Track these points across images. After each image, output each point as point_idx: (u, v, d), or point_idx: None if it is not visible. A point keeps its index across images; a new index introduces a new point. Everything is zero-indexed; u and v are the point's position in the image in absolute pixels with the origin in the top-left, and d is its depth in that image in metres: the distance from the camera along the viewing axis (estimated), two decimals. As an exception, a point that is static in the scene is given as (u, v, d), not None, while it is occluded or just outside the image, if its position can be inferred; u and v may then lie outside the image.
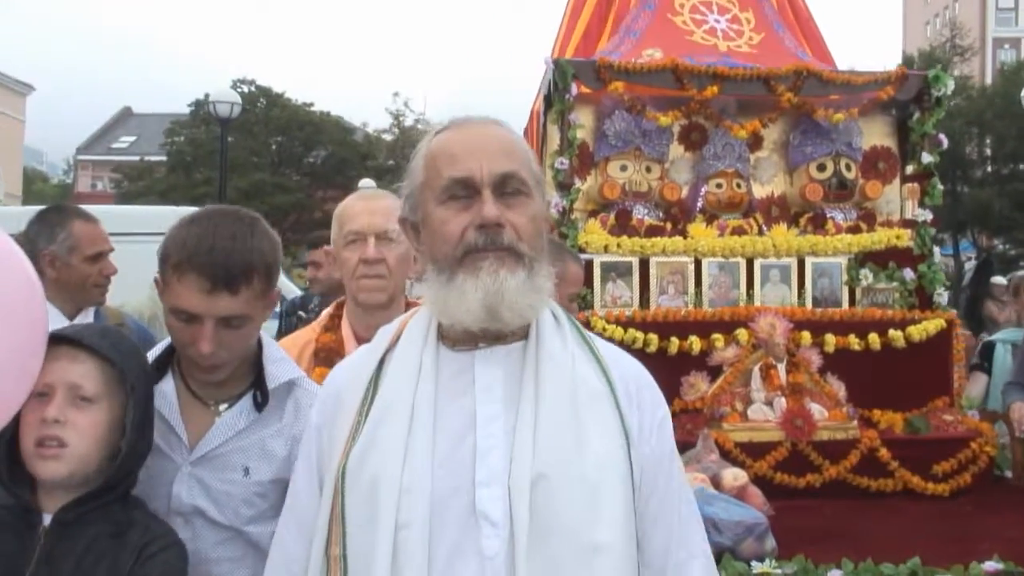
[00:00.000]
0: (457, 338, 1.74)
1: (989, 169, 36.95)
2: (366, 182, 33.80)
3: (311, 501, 1.74)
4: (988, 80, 43.69)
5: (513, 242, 1.67)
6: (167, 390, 2.16)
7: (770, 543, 3.43)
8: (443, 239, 1.70)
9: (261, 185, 32.34)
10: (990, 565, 3.29)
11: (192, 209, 2.30)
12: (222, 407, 2.15)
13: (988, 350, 6.17)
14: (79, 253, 3.39)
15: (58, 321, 3.08)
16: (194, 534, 2.07)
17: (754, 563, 3.26)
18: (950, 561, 3.34)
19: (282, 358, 2.23)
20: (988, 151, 38.05)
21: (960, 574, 3.28)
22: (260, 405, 2.13)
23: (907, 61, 31.96)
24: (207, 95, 33.08)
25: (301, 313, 6.15)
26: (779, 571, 3.23)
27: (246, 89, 35.77)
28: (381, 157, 38.58)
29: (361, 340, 2.54)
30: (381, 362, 1.77)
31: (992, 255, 29.30)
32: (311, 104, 35.89)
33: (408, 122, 39.00)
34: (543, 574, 1.60)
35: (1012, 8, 70.64)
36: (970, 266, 13.12)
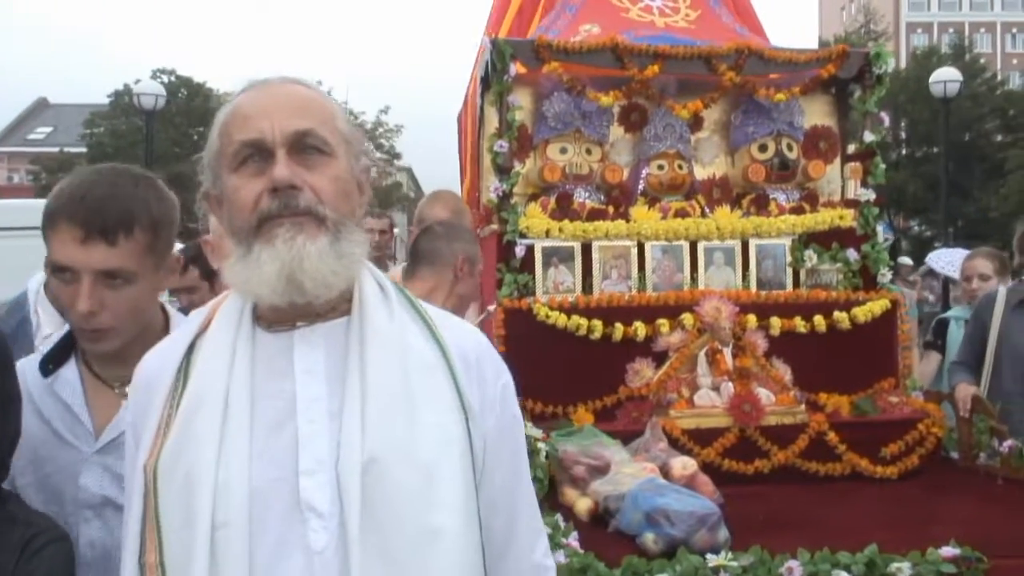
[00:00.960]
0: (273, 318, 1.62)
1: (904, 152, 37.68)
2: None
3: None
4: (902, 64, 44.48)
5: (312, 205, 1.56)
6: (70, 376, 2.01)
7: (723, 534, 3.34)
8: (238, 208, 1.58)
9: (183, 176, 31.99)
10: (947, 550, 3.23)
11: None
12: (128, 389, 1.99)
13: (942, 327, 6.19)
14: None
15: None
16: (105, 525, 1.95)
17: (709, 556, 3.17)
18: (904, 546, 3.27)
19: None
20: (902, 134, 38.85)
21: (918, 560, 3.21)
22: None
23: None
24: (127, 85, 32.55)
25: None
26: (735, 563, 3.13)
27: (167, 79, 35.27)
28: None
29: None
30: (191, 348, 1.63)
31: (899, 237, 29.84)
32: (231, 93, 35.39)
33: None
34: (378, 565, 1.49)
35: (924, -7, 72.15)
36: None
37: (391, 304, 1.68)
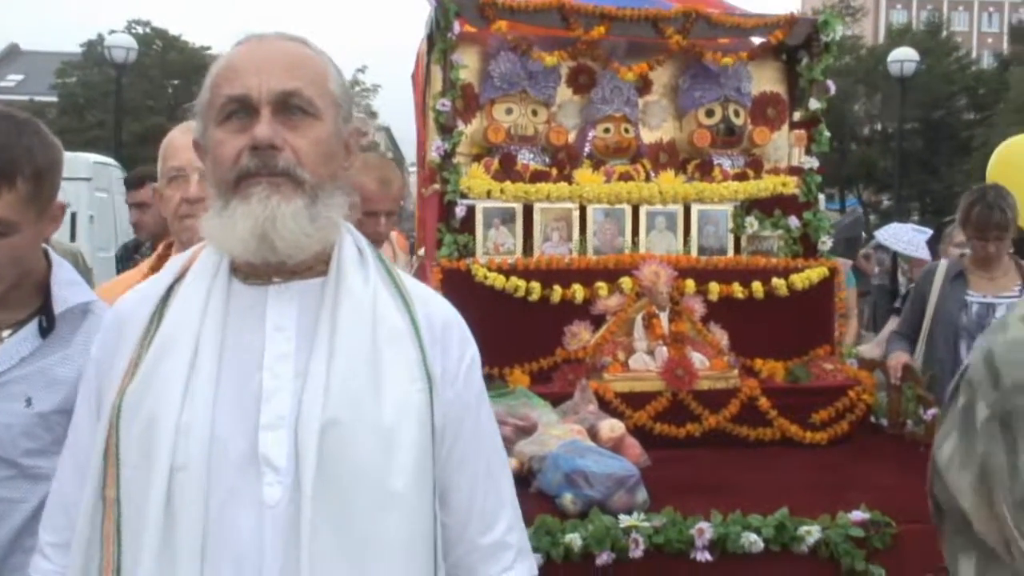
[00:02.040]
0: (249, 271, 1.63)
1: (878, 128, 37.91)
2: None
3: (90, 439, 1.62)
4: (880, 40, 44.72)
5: (291, 167, 1.57)
6: None
7: (641, 495, 3.36)
8: (219, 162, 1.59)
9: (157, 130, 31.75)
10: (857, 515, 3.27)
11: (83, 155, 2.14)
12: (5, 333, 1.97)
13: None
14: None
15: None
16: None
17: (622, 516, 3.19)
18: (819, 510, 3.31)
19: (74, 281, 2.07)
20: (875, 110, 39.04)
21: (827, 524, 3.25)
22: (45, 331, 1.96)
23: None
24: (100, 36, 32.15)
25: (136, 257, 5.90)
26: (647, 524, 3.15)
27: (141, 31, 34.93)
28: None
29: None
30: (168, 294, 1.65)
31: (866, 212, 30.05)
32: (209, 48, 34.95)
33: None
34: (330, 524, 1.50)
35: (904, -31, 72.35)
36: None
37: (368, 269, 1.70)
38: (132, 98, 29.38)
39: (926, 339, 4.74)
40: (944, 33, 49.84)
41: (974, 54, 56.57)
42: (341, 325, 1.61)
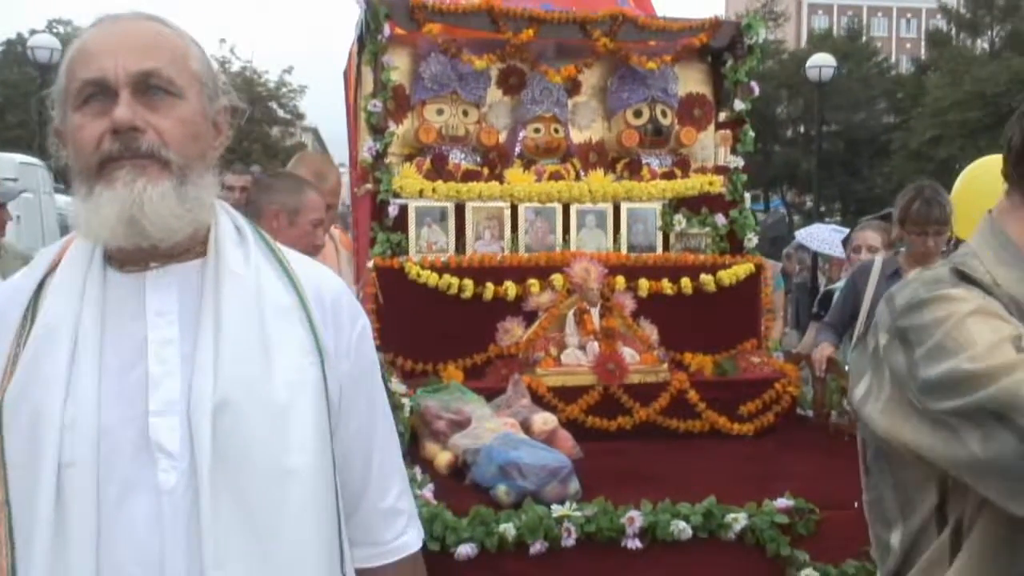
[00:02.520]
0: (124, 259, 1.60)
1: (802, 130, 38.71)
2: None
3: None
4: (803, 44, 45.65)
5: (155, 148, 1.55)
6: None
7: (574, 486, 3.43)
8: (80, 148, 1.56)
9: (79, 128, 31.27)
10: (782, 502, 3.37)
11: (8, 155, 2.09)
12: None
13: (827, 299, 6.38)
14: None
15: None
16: None
17: (555, 506, 3.25)
18: (745, 499, 3.40)
19: None
20: (797, 113, 39.80)
21: (753, 511, 3.35)
22: None
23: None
24: (20, 35, 31.48)
25: None
26: (579, 513, 3.22)
27: (63, 30, 34.30)
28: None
29: None
30: (40, 287, 1.61)
31: (790, 213, 30.61)
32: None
33: (235, 68, 38.06)
34: (229, 505, 1.50)
35: (826, -24, 73.89)
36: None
37: (248, 247, 1.68)
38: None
39: (861, 335, 4.86)
40: (864, 38, 50.97)
41: (893, 59, 57.89)
42: (225, 305, 1.59)
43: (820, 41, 44.38)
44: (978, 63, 34.69)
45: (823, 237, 11.26)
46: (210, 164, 1.66)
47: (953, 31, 42.14)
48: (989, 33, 40.00)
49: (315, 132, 53.41)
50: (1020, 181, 1.63)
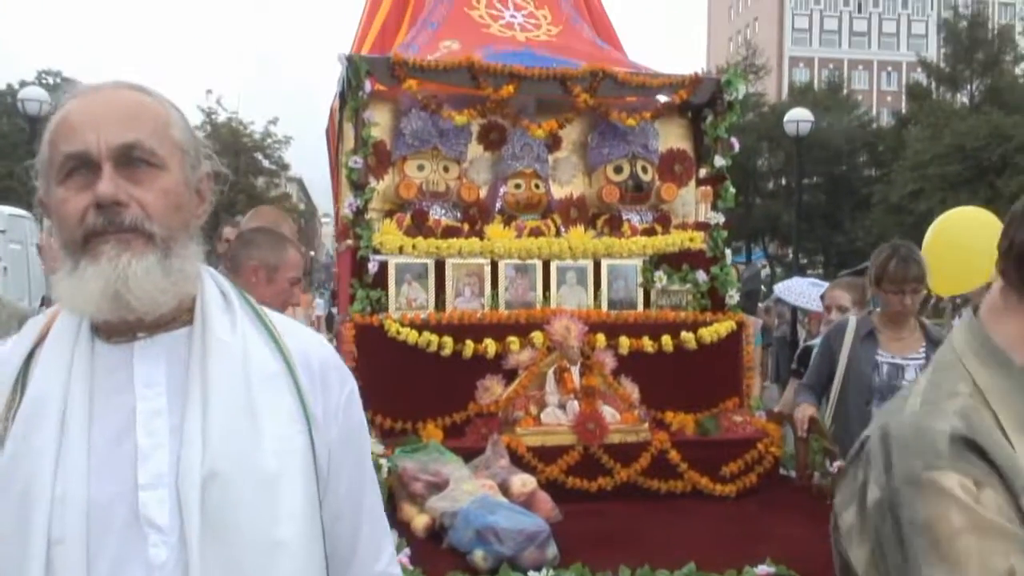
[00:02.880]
0: (110, 330, 1.58)
1: (783, 182, 39.09)
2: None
3: None
4: (784, 97, 46.19)
5: (139, 221, 1.53)
6: None
7: (552, 551, 3.37)
8: (64, 222, 1.55)
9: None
10: (763, 568, 3.31)
11: None
12: None
13: (806, 355, 6.33)
14: None
15: None
16: None
17: (531, 572, 3.18)
18: (727, 564, 3.34)
19: None
20: (779, 165, 40.16)
21: (734, 578, 3.29)
22: None
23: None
24: (11, 86, 31.62)
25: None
26: (556, 580, 3.16)
27: (51, 81, 34.55)
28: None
29: None
30: (29, 359, 1.59)
31: (772, 265, 30.76)
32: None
33: (221, 119, 38.27)
34: None
35: (807, 29, 74.95)
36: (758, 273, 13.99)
37: (234, 313, 1.66)
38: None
39: (838, 396, 4.81)
40: (845, 91, 51.59)
41: (874, 111, 58.59)
42: (212, 375, 1.57)
43: (800, 94, 44.91)
44: (957, 117, 35.10)
45: (801, 291, 11.32)
46: (193, 233, 1.64)
47: (933, 85, 42.69)
48: (968, 87, 40.54)
49: (300, 182, 53.71)
50: (1018, 284, 1.53)
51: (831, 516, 1.61)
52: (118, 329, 1.58)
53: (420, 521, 3.74)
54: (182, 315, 1.61)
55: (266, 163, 42.91)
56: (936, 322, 7.53)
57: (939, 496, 1.38)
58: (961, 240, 5.47)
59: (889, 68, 74.83)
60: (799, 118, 20.93)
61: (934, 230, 5.57)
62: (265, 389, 1.59)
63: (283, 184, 47.40)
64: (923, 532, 1.38)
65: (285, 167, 44.56)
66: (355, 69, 4.96)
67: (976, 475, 1.39)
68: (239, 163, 40.33)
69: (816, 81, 58.76)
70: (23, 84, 27.10)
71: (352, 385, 1.75)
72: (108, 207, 1.51)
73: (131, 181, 1.54)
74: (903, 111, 46.53)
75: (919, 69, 45.46)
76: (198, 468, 1.50)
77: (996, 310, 1.56)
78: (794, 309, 13.09)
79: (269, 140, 41.95)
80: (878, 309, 4.89)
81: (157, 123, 1.60)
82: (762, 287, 14.07)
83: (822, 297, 7.37)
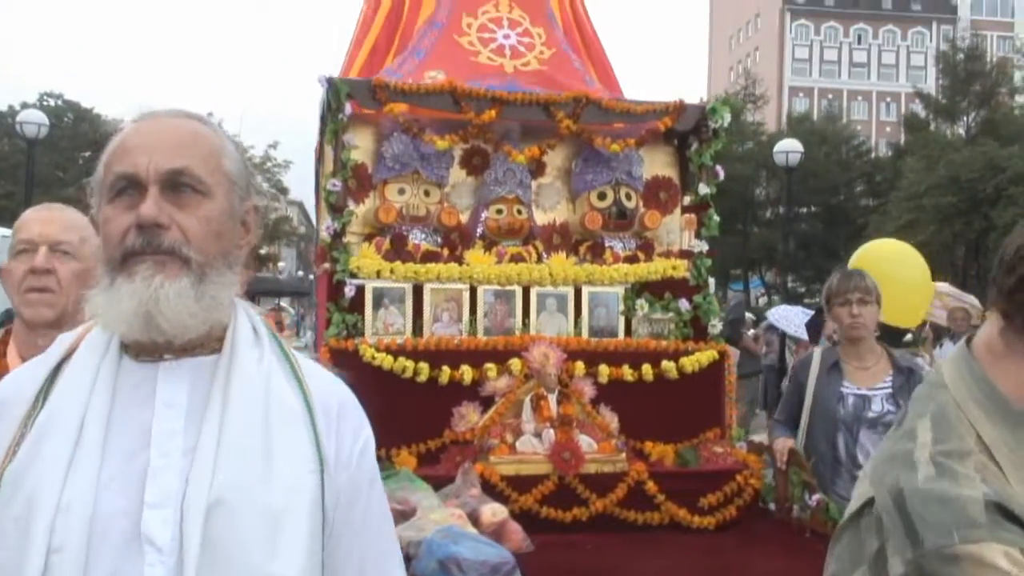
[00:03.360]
0: (139, 348, 1.60)
1: (780, 211, 39.15)
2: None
3: None
4: (785, 126, 46.42)
5: (177, 245, 1.56)
6: None
7: (517, 583, 3.28)
8: (107, 239, 1.59)
9: (67, 202, 31.25)
10: (734, 605, 3.23)
11: None
12: None
13: None
14: None
15: None
16: None
17: (494, 607, 3.11)
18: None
19: None
20: (776, 194, 40.24)
21: (704, 615, 3.21)
22: None
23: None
24: (11, 107, 31.77)
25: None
26: (518, 615, 3.08)
27: (53, 103, 34.74)
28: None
29: None
30: (56, 372, 1.62)
31: (769, 293, 30.78)
32: (122, 120, 34.78)
33: (223, 141, 38.50)
34: None
35: (806, 60, 75.35)
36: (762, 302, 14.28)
37: (262, 348, 1.67)
38: (42, 170, 28.97)
39: (806, 429, 4.75)
40: (845, 120, 51.72)
41: (873, 141, 58.76)
42: (232, 403, 1.57)
43: (798, 124, 45.01)
44: (953, 148, 35.15)
45: (791, 319, 11.37)
46: (233, 262, 1.65)
47: (930, 116, 42.79)
48: (964, 119, 40.63)
49: (300, 206, 53.90)
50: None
51: None
52: (146, 348, 1.60)
53: (386, 551, 3.66)
54: (211, 342, 1.63)
55: (266, 186, 43.11)
56: (911, 351, 7.47)
57: (982, 571, 1.26)
58: (887, 273, 5.36)
59: (888, 99, 75.10)
60: (789, 149, 21.15)
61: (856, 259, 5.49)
62: (282, 426, 1.59)
63: (283, 208, 47.61)
64: None
65: (284, 191, 44.77)
66: (335, 91, 4.93)
67: (1021, 544, 1.28)
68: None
69: (815, 111, 59.00)
70: (24, 106, 27.18)
71: (368, 434, 1.73)
72: (149, 228, 1.54)
73: (175, 205, 1.57)
74: (901, 142, 46.67)
75: (917, 100, 45.58)
76: (205, 493, 1.50)
77: (996, 354, 1.44)
78: (782, 336, 13.15)
79: (269, 163, 42.21)
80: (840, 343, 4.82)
81: (209, 152, 1.64)
82: (746, 316, 14.15)
83: (808, 325, 7.33)
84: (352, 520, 1.67)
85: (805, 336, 10.14)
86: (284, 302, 30.01)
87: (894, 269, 5.36)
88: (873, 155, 49.26)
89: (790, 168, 21.27)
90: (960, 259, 34.40)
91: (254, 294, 28.86)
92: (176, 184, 1.58)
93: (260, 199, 1.74)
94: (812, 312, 10.72)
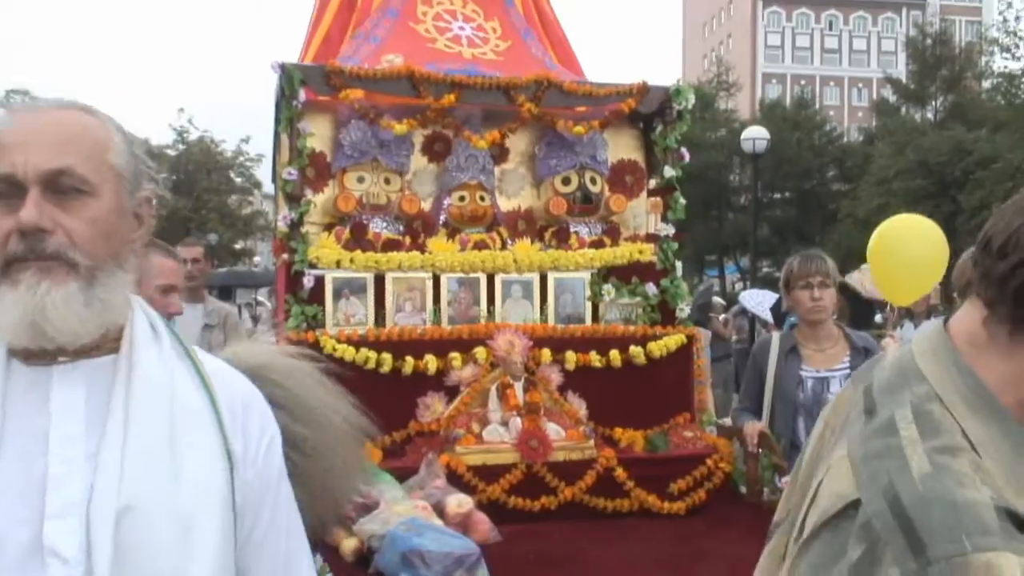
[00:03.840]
0: (30, 354, 1.51)
1: (757, 197, 39.35)
2: (146, 200, 32.81)
3: None
4: (757, 113, 46.60)
5: (62, 250, 1.47)
6: None
7: (481, 574, 3.20)
8: None
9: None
10: (701, 589, 3.17)
11: None
12: None
13: None
14: None
15: None
16: None
17: (454, 600, 3.03)
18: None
19: None
20: (749, 180, 40.29)
21: (669, 601, 3.14)
22: None
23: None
24: (-25, 105, 31.45)
25: None
26: (480, 607, 3.00)
27: (20, 100, 34.32)
28: (164, 172, 37.88)
29: None
30: None
31: (744, 278, 31.03)
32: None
33: (192, 137, 38.18)
34: None
35: (779, 46, 75.59)
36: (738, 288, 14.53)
37: (162, 346, 1.60)
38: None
39: (769, 414, 4.70)
40: (817, 105, 51.88)
41: (845, 126, 58.97)
42: (135, 405, 1.50)
43: (769, 111, 45.13)
44: (920, 133, 35.33)
45: (762, 302, 11.53)
46: (124, 261, 1.58)
47: (899, 102, 42.99)
48: (933, 103, 40.84)
49: (275, 200, 53.73)
50: (1016, 317, 1.30)
51: None
52: (36, 354, 1.51)
53: (348, 544, 3.57)
54: (107, 343, 1.55)
55: (239, 181, 42.87)
56: (876, 333, 7.44)
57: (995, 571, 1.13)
58: (905, 249, 5.33)
59: (860, 84, 75.36)
60: (755, 136, 21.39)
61: (876, 238, 5.45)
62: (187, 425, 1.53)
63: (258, 202, 47.35)
64: None
65: (257, 185, 44.55)
66: (289, 78, 4.82)
67: None
68: (211, 181, 40.27)
69: (788, 97, 59.09)
70: (-11, 105, 27.00)
71: (274, 431, 1.68)
72: (31, 234, 1.45)
73: (59, 207, 1.48)
74: (872, 127, 46.88)
75: (888, 86, 45.74)
76: (114, 500, 1.44)
77: (978, 345, 1.34)
78: (752, 320, 13.28)
79: (241, 158, 41.97)
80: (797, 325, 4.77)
81: (94, 147, 1.54)
82: (715, 300, 14.37)
83: (773, 309, 7.31)
84: (262, 515, 1.62)
85: (771, 318, 10.22)
86: (261, 296, 29.89)
87: (915, 244, 5.28)
88: (845, 140, 49.47)
89: (756, 155, 21.49)
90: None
91: (230, 288, 28.66)
92: (58, 185, 1.48)
93: (154, 188, 1.65)
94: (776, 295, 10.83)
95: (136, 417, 1.50)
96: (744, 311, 13.03)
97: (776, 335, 4.83)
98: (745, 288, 31.69)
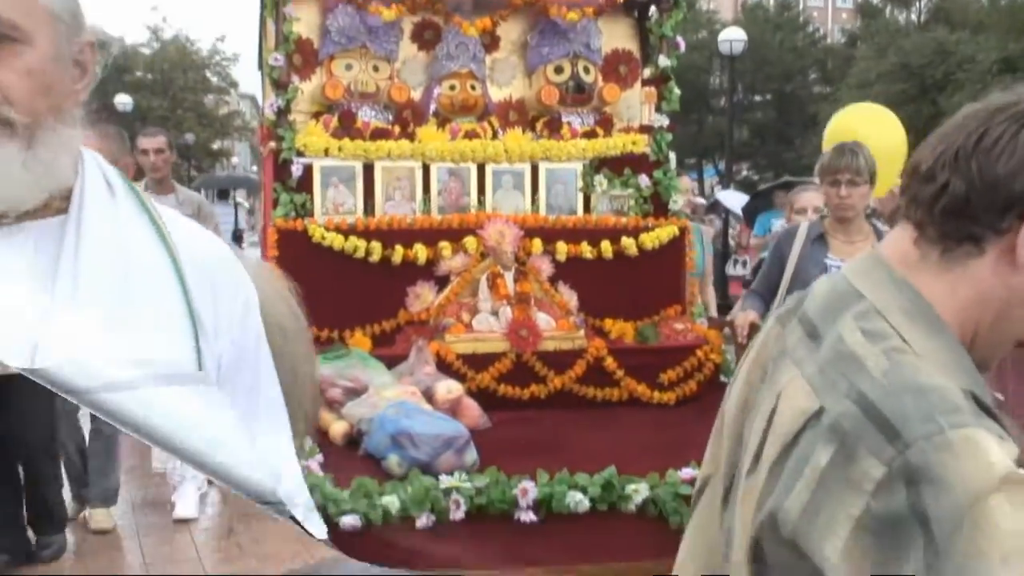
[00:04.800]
0: None
1: (736, 99, 39.01)
2: (122, 97, 32.11)
3: None
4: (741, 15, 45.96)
5: None
6: None
7: (471, 457, 3.24)
8: None
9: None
10: (687, 471, 3.19)
11: None
12: None
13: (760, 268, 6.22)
14: None
15: None
16: None
17: (443, 477, 3.05)
18: (652, 469, 3.22)
19: None
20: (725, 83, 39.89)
21: (655, 482, 3.18)
22: None
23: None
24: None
25: None
26: (468, 484, 3.02)
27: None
28: (139, 71, 37.13)
29: None
30: None
31: (723, 181, 31.12)
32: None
33: (167, 36, 37.43)
34: None
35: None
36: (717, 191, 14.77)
37: (117, 203, 1.46)
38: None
39: (783, 300, 4.70)
40: (802, 6, 51.20)
41: (829, 27, 58.30)
42: (84, 266, 1.38)
43: (751, 12, 44.53)
44: (904, 35, 34.96)
45: (738, 200, 11.82)
46: (68, 114, 1.42)
47: (883, 2, 42.46)
48: (917, 4, 40.35)
49: (253, 99, 52.98)
50: (944, 236, 1.29)
51: (752, 516, 1.27)
52: None
53: (338, 428, 3.59)
54: (56, 203, 1.41)
55: (215, 80, 42.23)
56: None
57: (980, 453, 1.11)
58: (863, 134, 5.27)
59: (845, -15, 74.28)
60: (732, 37, 21.24)
61: (832, 127, 5.38)
62: (145, 285, 1.41)
63: (235, 102, 46.61)
64: (964, 497, 1.09)
65: (234, 84, 43.84)
66: (275, -40, 4.67)
67: (1002, 435, 1.14)
68: (186, 80, 39.66)
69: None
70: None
71: (249, 293, 1.56)
72: None
73: None
74: (856, 28, 46.35)
75: (872, -13, 45.12)
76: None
77: (911, 265, 1.31)
78: (726, 221, 13.40)
79: (217, 57, 41.29)
80: (827, 215, 4.77)
81: None
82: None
83: (745, 210, 7.33)
84: (241, 385, 1.52)
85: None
86: (240, 197, 29.55)
87: (869, 132, 5.23)
88: (829, 41, 48.96)
89: (733, 57, 21.38)
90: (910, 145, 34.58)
91: (209, 187, 28.41)
92: None
93: (95, 33, 1.49)
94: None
95: (86, 279, 1.38)
96: (715, 209, 13.20)
97: (805, 223, 4.82)
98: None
